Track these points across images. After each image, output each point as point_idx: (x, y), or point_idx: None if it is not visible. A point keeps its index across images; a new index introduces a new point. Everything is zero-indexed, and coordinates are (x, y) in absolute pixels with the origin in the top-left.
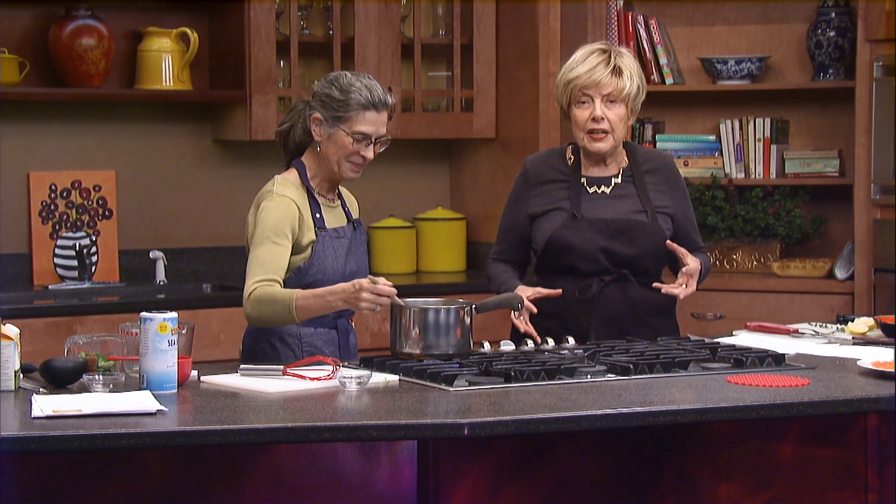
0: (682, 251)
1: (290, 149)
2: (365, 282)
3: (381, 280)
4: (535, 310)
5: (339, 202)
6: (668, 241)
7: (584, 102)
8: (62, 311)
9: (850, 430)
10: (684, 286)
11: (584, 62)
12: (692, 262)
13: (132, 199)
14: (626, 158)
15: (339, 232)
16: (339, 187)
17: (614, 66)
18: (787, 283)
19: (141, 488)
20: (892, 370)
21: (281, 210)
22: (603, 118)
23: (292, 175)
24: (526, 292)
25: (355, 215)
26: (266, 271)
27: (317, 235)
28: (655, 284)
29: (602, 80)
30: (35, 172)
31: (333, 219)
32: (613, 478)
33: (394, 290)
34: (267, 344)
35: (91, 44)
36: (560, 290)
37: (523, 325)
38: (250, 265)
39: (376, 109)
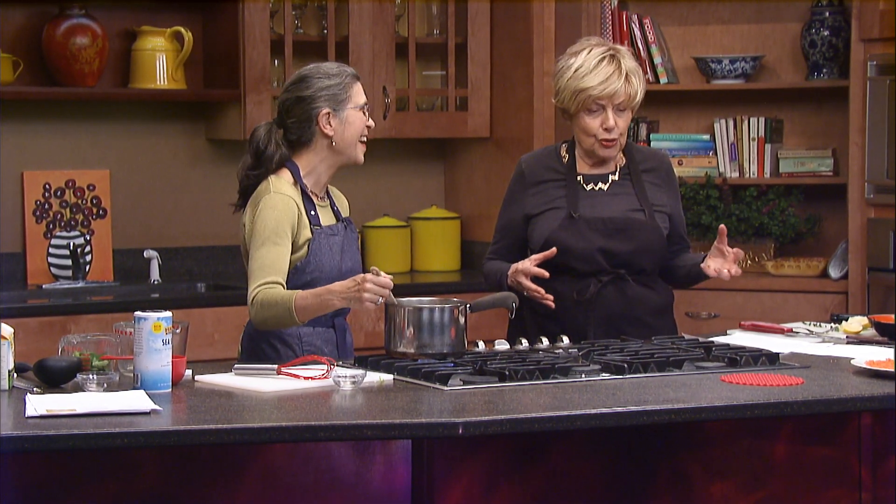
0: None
1: (273, 167)
2: (368, 275)
3: (382, 272)
4: (546, 274)
5: (328, 201)
6: (721, 226)
7: (595, 111)
8: (56, 310)
9: (844, 428)
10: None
11: (595, 72)
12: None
13: (126, 198)
14: (622, 156)
15: (332, 230)
16: (329, 186)
17: (626, 74)
18: (781, 283)
19: (135, 488)
20: (886, 369)
21: (280, 209)
22: (615, 127)
23: (286, 174)
24: (524, 264)
25: (345, 214)
26: (267, 274)
27: (312, 233)
28: (703, 266)
29: (618, 91)
30: (29, 172)
31: (325, 217)
32: (608, 477)
33: (392, 283)
34: (267, 344)
35: (85, 43)
36: (555, 250)
37: (536, 290)
38: (252, 269)
39: (358, 79)
